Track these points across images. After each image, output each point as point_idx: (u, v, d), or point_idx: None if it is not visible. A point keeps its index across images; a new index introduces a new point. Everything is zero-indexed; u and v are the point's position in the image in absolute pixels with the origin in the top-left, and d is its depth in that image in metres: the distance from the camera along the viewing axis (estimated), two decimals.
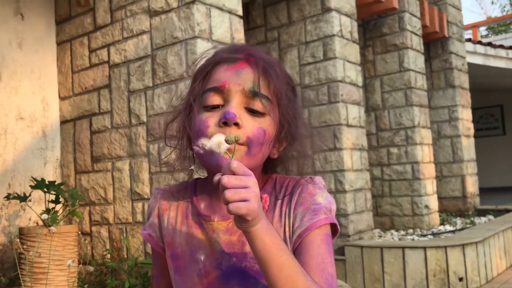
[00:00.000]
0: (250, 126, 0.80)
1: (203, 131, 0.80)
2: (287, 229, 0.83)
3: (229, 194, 0.66)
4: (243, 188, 0.67)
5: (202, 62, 0.88)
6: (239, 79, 0.81)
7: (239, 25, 3.07)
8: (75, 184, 3.41)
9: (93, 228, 3.28)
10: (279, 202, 0.85)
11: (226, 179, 0.67)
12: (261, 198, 0.84)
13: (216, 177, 0.68)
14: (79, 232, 3.07)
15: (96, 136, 3.33)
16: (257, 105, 0.81)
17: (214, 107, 0.82)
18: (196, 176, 0.98)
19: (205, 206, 0.89)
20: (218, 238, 0.85)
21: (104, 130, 3.28)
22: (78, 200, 2.87)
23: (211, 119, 0.81)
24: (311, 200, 0.83)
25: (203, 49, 2.83)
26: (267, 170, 0.91)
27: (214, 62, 0.85)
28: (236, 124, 0.79)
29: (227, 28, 2.98)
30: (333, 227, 0.85)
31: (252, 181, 0.68)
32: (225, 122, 0.78)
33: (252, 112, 0.81)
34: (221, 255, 0.85)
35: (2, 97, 3.30)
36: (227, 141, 0.72)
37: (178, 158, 0.92)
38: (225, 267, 0.84)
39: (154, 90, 3.00)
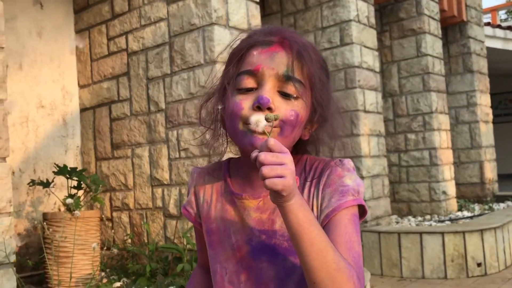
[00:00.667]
0: (283, 110, 0.82)
1: (237, 113, 0.83)
2: (315, 209, 0.85)
3: (266, 170, 0.69)
4: (279, 165, 0.70)
5: (237, 43, 0.90)
6: (273, 63, 0.83)
7: (255, 11, 3.08)
8: (96, 171, 3.48)
9: (114, 214, 3.35)
10: (308, 183, 0.88)
11: (263, 156, 0.70)
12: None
13: (254, 154, 0.71)
14: (102, 217, 3.14)
15: (116, 123, 3.38)
16: (290, 89, 0.83)
17: (248, 90, 0.84)
18: (230, 155, 1.02)
19: (237, 184, 0.92)
20: (249, 216, 0.89)
21: (123, 117, 3.33)
22: (100, 186, 2.93)
23: (245, 102, 0.83)
24: (339, 182, 0.86)
25: (220, 35, 2.85)
26: (298, 151, 0.94)
27: (249, 45, 0.87)
28: (269, 108, 0.81)
29: (244, 14, 3.00)
30: (361, 208, 0.87)
31: (288, 158, 0.71)
32: (259, 107, 0.81)
33: (285, 95, 0.83)
34: (252, 232, 0.88)
35: (23, 85, 3.37)
36: (267, 119, 0.76)
37: (212, 138, 0.95)
38: (255, 243, 0.87)
39: (172, 77, 3.03)
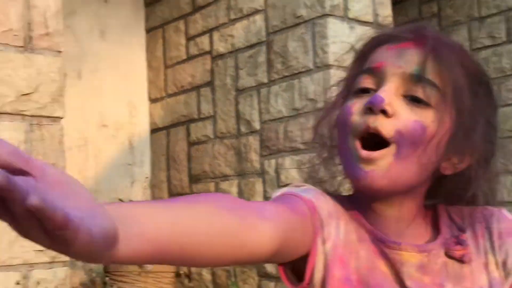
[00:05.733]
0: (403, 117, 0.82)
1: (345, 121, 0.85)
2: (492, 267, 0.88)
3: None
4: None
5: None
6: (399, 60, 0.85)
7: None
8: None
9: (193, 269, 3.43)
10: (468, 234, 0.90)
11: None
12: (461, 242, 0.89)
13: None
14: (178, 272, 3.29)
15: (195, 148, 3.53)
16: (420, 93, 0.84)
17: (365, 91, 0.86)
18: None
19: (384, 229, 0.91)
20: (408, 275, 0.87)
21: (205, 140, 3.47)
22: None
23: (356, 105, 0.85)
24: None
25: (336, 31, 2.90)
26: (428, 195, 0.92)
27: (375, 43, 0.91)
28: (384, 112, 0.82)
29: (369, 2, 3.02)
30: None
31: None
32: (370, 108, 0.82)
33: (412, 101, 0.84)
34: None
35: (82, 99, 3.63)
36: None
37: (323, 166, 0.95)
38: None
39: (270, 88, 3.12)
